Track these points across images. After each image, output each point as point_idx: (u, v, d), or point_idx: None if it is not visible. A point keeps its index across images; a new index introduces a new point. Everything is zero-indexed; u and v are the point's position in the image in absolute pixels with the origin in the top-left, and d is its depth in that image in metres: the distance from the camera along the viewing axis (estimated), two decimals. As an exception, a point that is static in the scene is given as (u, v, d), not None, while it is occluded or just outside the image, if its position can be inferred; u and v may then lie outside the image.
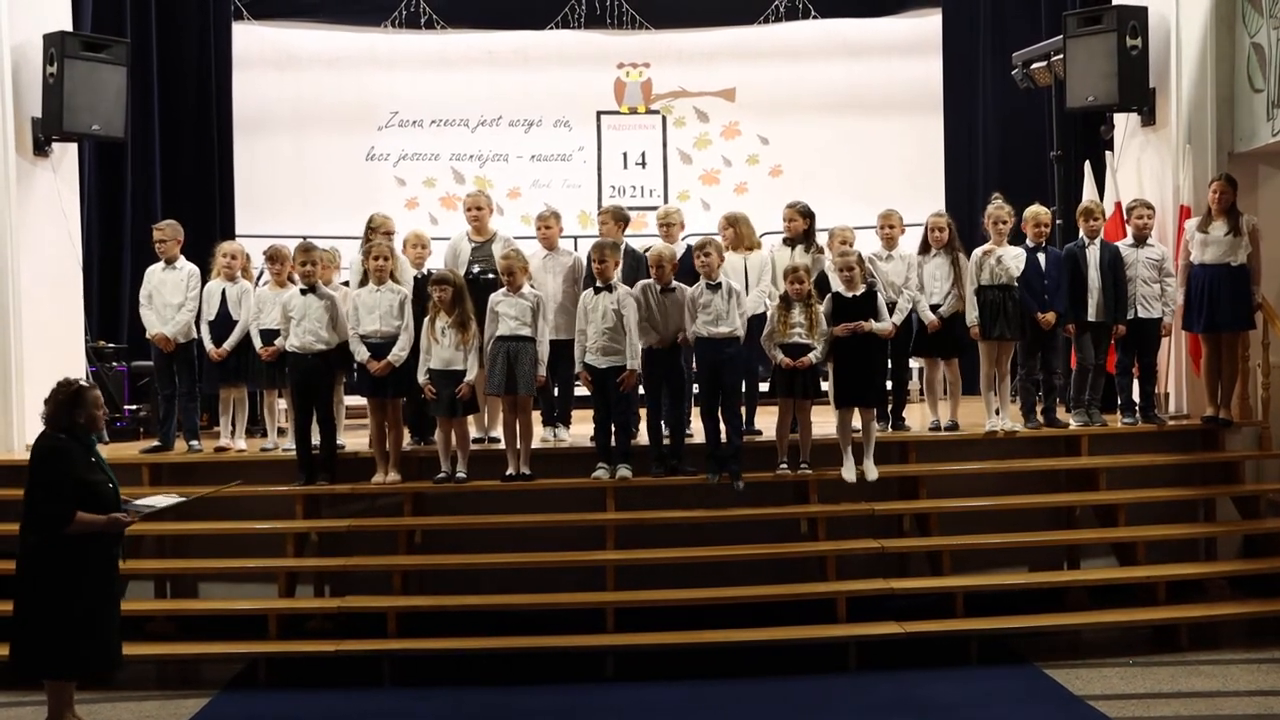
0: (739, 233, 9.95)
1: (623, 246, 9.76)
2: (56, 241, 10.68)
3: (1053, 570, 9.28)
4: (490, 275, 9.76)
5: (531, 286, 9.38)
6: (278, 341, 9.55)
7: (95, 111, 10.38)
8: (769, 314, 9.33)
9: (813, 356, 9.06)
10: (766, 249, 10.19)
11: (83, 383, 6.84)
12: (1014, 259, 9.72)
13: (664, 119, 16.35)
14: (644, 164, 16.29)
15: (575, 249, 11.20)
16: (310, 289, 9.34)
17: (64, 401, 6.71)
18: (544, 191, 15.94)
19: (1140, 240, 10.00)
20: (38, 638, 6.65)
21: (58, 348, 10.40)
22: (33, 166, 10.37)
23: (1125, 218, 10.25)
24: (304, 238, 10.27)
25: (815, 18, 15.91)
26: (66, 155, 10.85)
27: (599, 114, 16.31)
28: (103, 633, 6.71)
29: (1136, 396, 10.08)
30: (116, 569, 6.84)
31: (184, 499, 7.44)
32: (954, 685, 7.80)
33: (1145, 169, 10.93)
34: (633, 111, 16.34)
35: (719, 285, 9.08)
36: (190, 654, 8.46)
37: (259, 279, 10.78)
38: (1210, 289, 9.74)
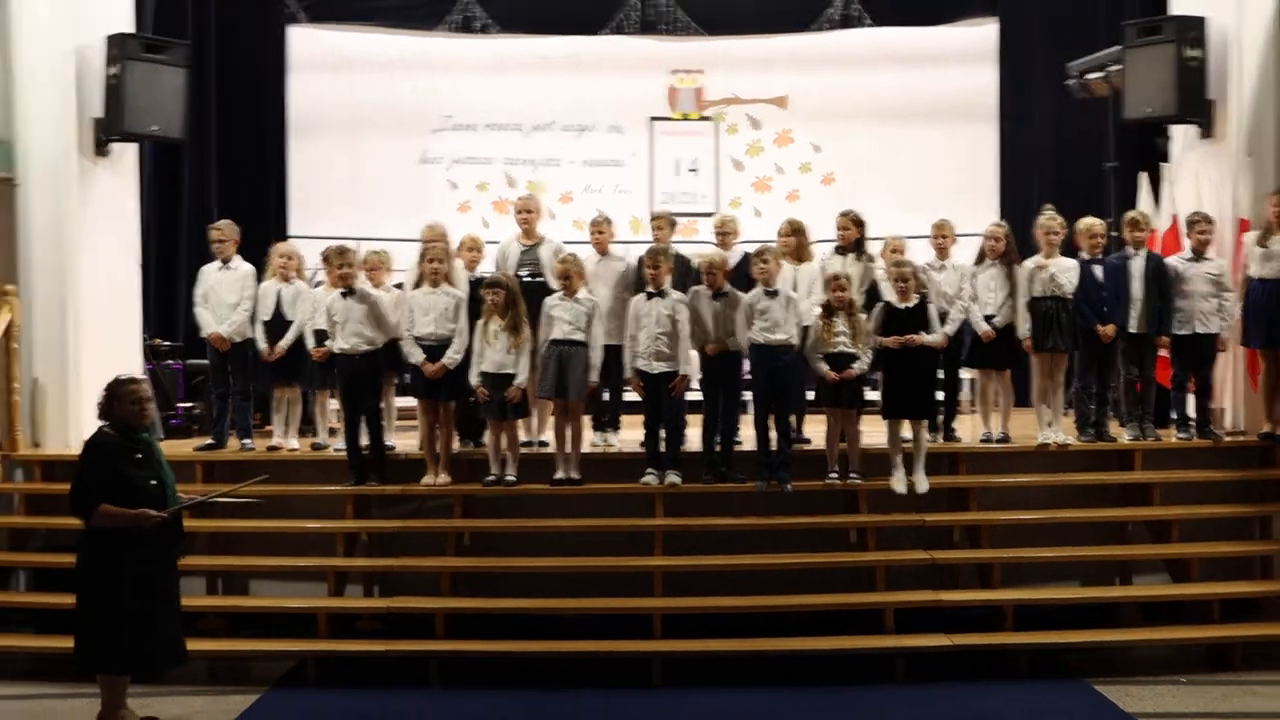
0: (800, 243, 9.93)
1: (672, 252, 9.78)
2: (115, 240, 10.79)
3: (1104, 585, 9.21)
4: (538, 279, 9.79)
5: (588, 292, 9.39)
6: (327, 343, 9.60)
7: (155, 112, 10.48)
8: (812, 324, 9.31)
9: (858, 367, 9.05)
10: (818, 259, 10.13)
11: (121, 376, 6.90)
12: (1066, 272, 9.65)
13: (716, 125, 16.31)
14: (696, 170, 16.27)
15: (626, 254, 11.20)
16: (349, 291, 9.39)
17: (104, 395, 6.84)
18: (596, 197, 15.95)
19: (1199, 254, 9.89)
20: (84, 631, 6.74)
21: (115, 346, 10.47)
22: (93, 166, 10.47)
23: (1185, 231, 10.11)
24: (357, 239, 10.32)
25: (869, 25, 15.84)
26: (126, 155, 10.96)
27: (652, 120, 16.29)
28: (145, 629, 6.71)
29: (1192, 411, 9.98)
30: (167, 565, 6.86)
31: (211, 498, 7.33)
32: (1003, 699, 7.76)
33: (1203, 181, 10.80)
34: (685, 118, 16.32)
35: (776, 292, 9.06)
36: (240, 651, 8.53)
37: (313, 279, 10.86)
38: (1269, 304, 9.62)
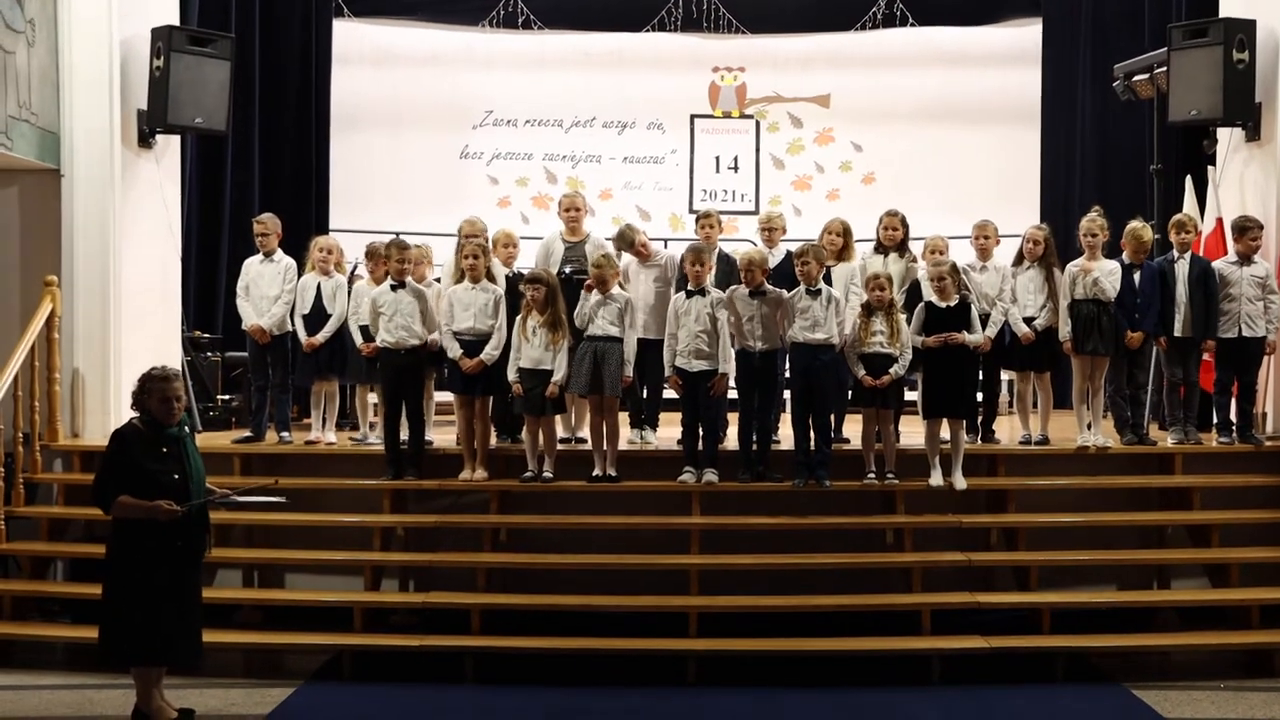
0: (847, 243, 9.93)
1: (716, 250, 9.77)
2: (157, 232, 10.86)
3: (1142, 590, 9.13)
4: (582, 275, 9.80)
5: (622, 289, 9.39)
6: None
7: (199, 105, 10.53)
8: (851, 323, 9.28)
9: (895, 370, 9.01)
10: (858, 258, 10.09)
11: (154, 370, 6.89)
12: (1109, 275, 9.56)
13: (757, 124, 16.31)
14: (736, 168, 16.26)
15: (665, 249, 11.17)
16: (400, 284, 9.41)
17: (137, 385, 6.86)
18: (635, 193, 15.99)
19: (1245, 258, 9.79)
20: (105, 622, 6.80)
21: (155, 337, 10.57)
22: (136, 158, 10.55)
23: (1235, 236, 9.92)
24: (397, 234, 10.34)
25: (913, 25, 15.79)
26: (169, 147, 11.03)
27: (693, 117, 16.30)
28: (163, 622, 6.69)
29: (1234, 415, 9.88)
30: (183, 560, 6.79)
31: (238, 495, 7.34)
32: (1039, 703, 7.72)
33: (1248, 185, 10.71)
34: (726, 115, 16.32)
35: (819, 291, 9.03)
36: (276, 644, 8.56)
37: (352, 272, 10.88)
38: (1313, 307, 9.54)
